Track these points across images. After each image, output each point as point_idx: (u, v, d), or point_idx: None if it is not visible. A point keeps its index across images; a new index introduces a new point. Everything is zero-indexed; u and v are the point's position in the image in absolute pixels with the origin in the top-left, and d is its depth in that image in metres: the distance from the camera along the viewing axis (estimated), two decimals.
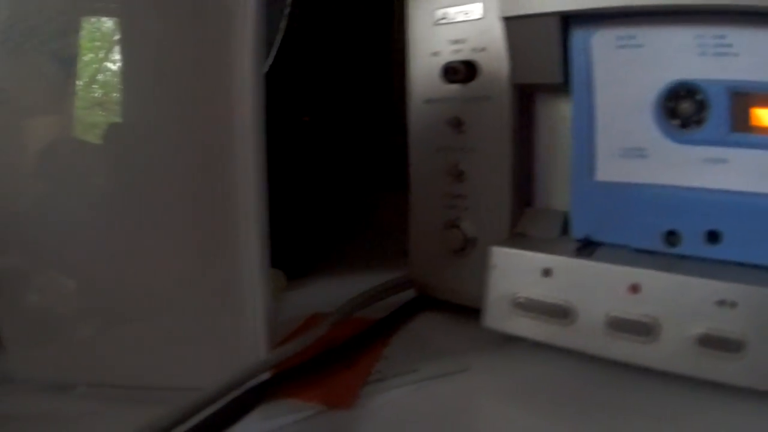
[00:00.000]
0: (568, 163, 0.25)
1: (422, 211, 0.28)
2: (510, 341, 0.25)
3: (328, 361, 0.23)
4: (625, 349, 0.22)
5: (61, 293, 0.21)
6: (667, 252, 0.23)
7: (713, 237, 0.22)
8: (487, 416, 0.22)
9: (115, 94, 0.20)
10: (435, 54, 0.27)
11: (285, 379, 0.21)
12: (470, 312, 0.27)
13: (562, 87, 0.25)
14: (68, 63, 0.20)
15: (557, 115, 0.26)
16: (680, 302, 0.21)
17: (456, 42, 0.26)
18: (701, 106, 0.22)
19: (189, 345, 0.21)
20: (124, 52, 0.20)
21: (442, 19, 0.27)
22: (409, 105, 0.28)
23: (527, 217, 0.26)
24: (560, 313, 0.23)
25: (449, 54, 0.26)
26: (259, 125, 0.19)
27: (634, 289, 0.22)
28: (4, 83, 0.21)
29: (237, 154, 0.19)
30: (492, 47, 0.25)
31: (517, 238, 0.25)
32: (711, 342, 0.21)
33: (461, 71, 0.26)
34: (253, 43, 0.19)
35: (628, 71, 0.23)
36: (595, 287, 0.22)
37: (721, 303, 0.20)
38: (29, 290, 0.21)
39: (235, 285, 0.20)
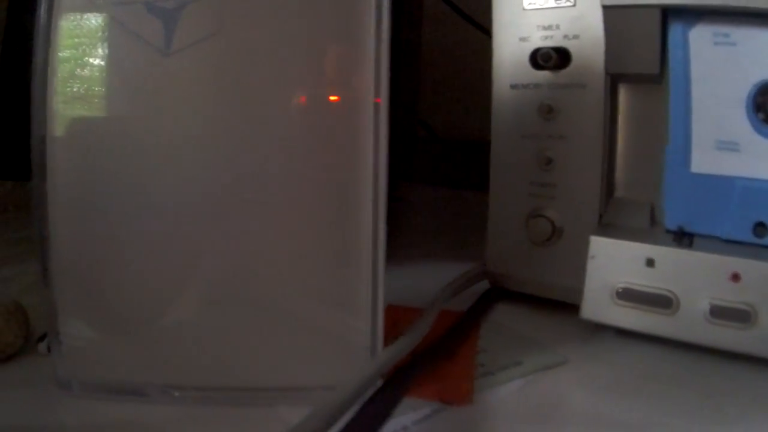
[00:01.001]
0: (653, 153, 0.25)
1: (504, 200, 0.27)
2: (596, 331, 0.24)
3: (434, 355, 0.21)
4: (725, 336, 0.22)
5: (152, 285, 0.18)
6: (756, 243, 0.24)
7: None
8: (601, 409, 0.21)
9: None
10: (523, 39, 0.26)
11: (402, 377, 0.19)
12: (546, 302, 0.27)
13: (656, 78, 0.25)
14: (169, 15, 0.17)
15: (643, 105, 0.26)
16: None
17: (547, 28, 0.26)
18: None
19: (299, 343, 0.19)
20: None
21: (532, 3, 0.26)
22: (494, 90, 0.27)
23: (614, 207, 0.26)
24: (663, 303, 0.23)
25: (539, 40, 0.26)
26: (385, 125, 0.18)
27: (735, 277, 0.22)
28: (80, 32, 0.18)
29: (361, 149, 0.18)
30: (585, 35, 0.25)
31: (611, 228, 0.25)
32: None
33: (554, 58, 0.25)
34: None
35: (723, 67, 0.24)
36: (697, 276, 0.22)
37: None
38: (117, 281, 0.18)
39: (353, 282, 0.18)
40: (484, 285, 0.28)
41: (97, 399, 0.19)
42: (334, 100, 0.17)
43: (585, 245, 0.24)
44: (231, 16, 0.17)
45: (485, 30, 0.29)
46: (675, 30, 0.24)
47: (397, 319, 0.22)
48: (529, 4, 0.26)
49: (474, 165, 0.47)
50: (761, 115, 0.23)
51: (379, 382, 0.19)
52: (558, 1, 0.26)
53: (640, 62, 0.24)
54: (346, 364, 0.18)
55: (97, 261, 0.18)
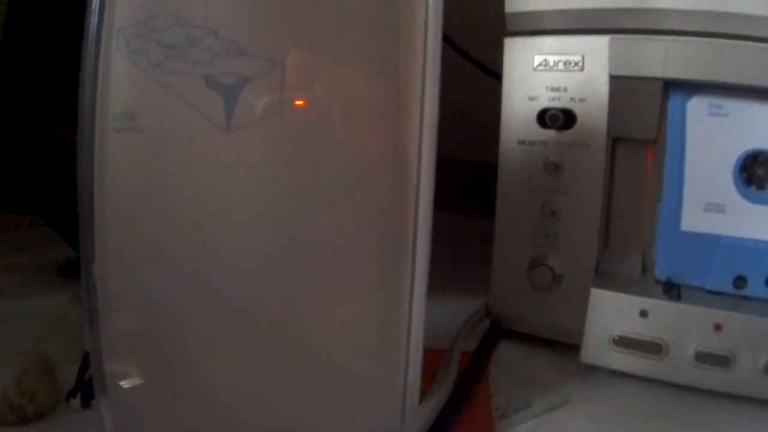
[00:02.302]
0: (647, 208, 0.27)
1: (508, 247, 0.29)
2: (592, 372, 0.26)
3: (458, 402, 0.23)
4: (708, 378, 0.24)
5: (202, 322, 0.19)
6: (735, 293, 0.26)
7: None
8: None
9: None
10: (532, 98, 0.28)
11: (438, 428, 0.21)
12: (542, 341, 0.28)
13: (652, 142, 0.27)
14: (230, 92, 0.18)
15: (639, 165, 0.28)
16: (753, 338, 0.24)
17: (555, 90, 0.27)
18: None
19: (344, 397, 0.20)
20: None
21: (542, 65, 0.28)
22: (501, 143, 0.28)
23: (610, 256, 0.28)
24: (655, 349, 0.25)
25: (547, 100, 0.27)
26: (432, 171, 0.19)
27: (718, 327, 0.24)
28: (135, 106, 0.18)
29: (408, 223, 0.19)
30: (591, 98, 0.27)
31: (608, 278, 0.27)
32: None
33: (560, 119, 0.27)
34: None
35: (715, 136, 0.26)
36: (685, 326, 0.25)
37: None
38: (170, 343, 0.19)
39: (393, 335, 0.20)
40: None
41: None
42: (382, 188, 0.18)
43: (582, 291, 0.26)
44: (293, 96, 0.18)
45: (495, 75, 0.30)
46: (674, 100, 0.26)
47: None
48: (539, 65, 0.28)
49: (472, 187, 0.48)
50: (747, 181, 0.26)
51: None
52: (567, 65, 0.27)
53: (640, 128, 0.26)
54: (389, 414, 0.19)
55: (151, 326, 0.19)
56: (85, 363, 0.23)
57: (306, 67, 0.18)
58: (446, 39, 0.20)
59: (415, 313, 0.19)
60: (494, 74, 0.32)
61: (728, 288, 0.26)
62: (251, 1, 0.18)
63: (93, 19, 0.18)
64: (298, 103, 0.18)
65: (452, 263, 0.39)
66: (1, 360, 0.22)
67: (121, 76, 0.18)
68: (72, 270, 0.38)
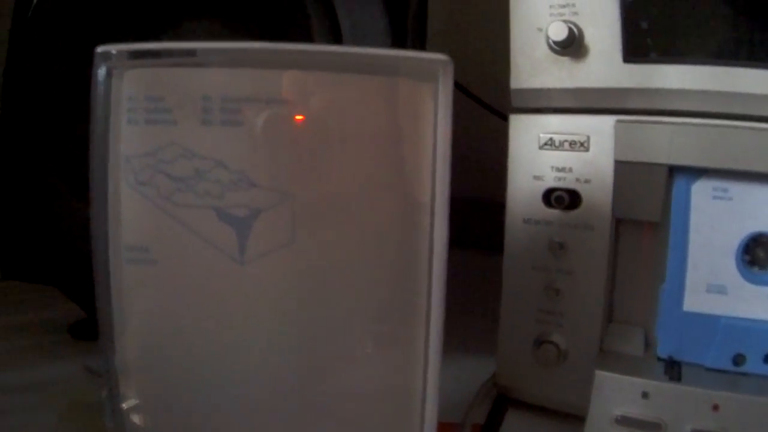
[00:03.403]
0: (649, 287, 0.27)
1: (513, 323, 0.29)
2: None
3: None
4: None
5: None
6: (733, 371, 0.26)
7: None
8: None
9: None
10: (537, 177, 0.28)
11: None
12: (549, 411, 0.29)
13: (657, 224, 0.27)
14: (241, 225, 0.18)
15: (643, 246, 0.28)
16: (748, 417, 0.24)
17: (560, 170, 0.27)
18: None
19: None
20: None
21: (547, 144, 0.27)
22: (507, 222, 0.28)
23: (613, 334, 0.28)
24: (654, 428, 0.25)
25: (552, 180, 0.27)
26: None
27: (716, 408, 0.25)
28: (149, 240, 0.18)
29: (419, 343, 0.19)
30: (596, 180, 0.27)
31: (611, 357, 0.27)
32: None
33: (566, 200, 0.27)
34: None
35: (719, 219, 0.26)
36: (684, 407, 0.25)
37: None
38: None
39: (407, 410, 0.20)
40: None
41: None
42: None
43: (587, 366, 0.26)
44: (304, 227, 0.18)
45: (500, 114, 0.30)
46: (679, 184, 0.26)
47: None
48: (545, 144, 0.28)
49: (476, 223, 0.48)
50: (749, 263, 0.26)
51: None
52: (573, 145, 0.27)
53: (644, 210, 0.26)
54: None
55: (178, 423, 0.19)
56: None
57: (313, 197, 0.18)
58: (457, 85, 0.20)
59: (427, 415, 0.20)
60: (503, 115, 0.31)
61: (727, 365, 0.26)
62: (260, 135, 0.18)
63: (100, 147, 0.18)
64: (309, 233, 0.18)
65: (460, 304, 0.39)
66: None
67: (132, 208, 0.18)
68: (82, 331, 0.38)
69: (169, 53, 0.18)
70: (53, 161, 0.33)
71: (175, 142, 0.17)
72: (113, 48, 0.17)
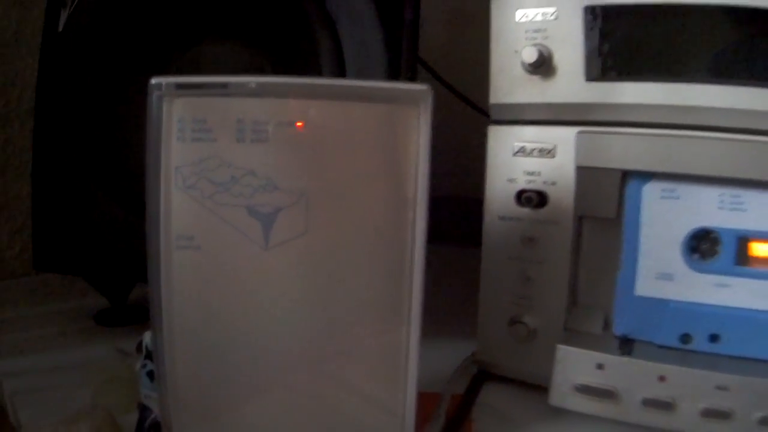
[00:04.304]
0: (609, 275, 0.34)
1: (491, 306, 0.36)
2: (560, 412, 0.33)
3: None
4: (654, 420, 0.31)
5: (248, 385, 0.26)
6: (681, 348, 0.33)
7: (714, 338, 0.32)
8: None
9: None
10: (511, 180, 0.34)
11: None
12: (522, 384, 0.35)
13: (614, 220, 0.33)
14: (266, 218, 0.25)
15: (602, 238, 0.34)
16: (692, 388, 0.31)
17: (531, 174, 0.34)
18: (715, 246, 0.32)
19: (345, 428, 0.27)
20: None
21: (520, 152, 0.34)
22: (485, 219, 0.35)
23: (576, 315, 0.35)
24: (608, 396, 0.32)
25: (524, 182, 0.34)
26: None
27: (662, 378, 0.31)
28: (194, 230, 0.25)
29: (406, 281, 0.25)
30: (561, 182, 0.33)
31: (572, 334, 0.34)
32: (711, 413, 0.30)
33: (535, 200, 0.33)
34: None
35: (667, 216, 0.32)
36: (634, 378, 0.31)
37: (719, 387, 0.30)
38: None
39: (392, 381, 0.26)
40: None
41: None
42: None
43: (553, 343, 0.33)
44: (316, 221, 0.24)
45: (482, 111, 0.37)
46: (632, 186, 0.33)
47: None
48: (518, 151, 0.34)
49: (458, 220, 0.55)
50: (693, 254, 0.32)
51: None
52: (541, 152, 0.34)
53: (602, 208, 0.33)
54: None
55: (213, 399, 0.26)
56: (141, 414, 0.30)
57: (323, 198, 0.25)
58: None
59: (412, 375, 0.26)
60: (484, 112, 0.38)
61: (675, 343, 0.33)
62: (281, 147, 0.24)
63: (155, 163, 0.24)
64: (320, 225, 0.24)
65: (446, 294, 0.45)
66: (77, 414, 0.29)
67: (181, 205, 0.24)
68: (106, 318, 0.45)
69: (207, 86, 0.24)
70: (94, 173, 0.40)
71: (215, 155, 0.24)
72: (164, 80, 0.24)
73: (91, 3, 0.41)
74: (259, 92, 0.24)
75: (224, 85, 0.24)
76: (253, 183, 0.24)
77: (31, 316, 0.48)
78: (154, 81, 0.24)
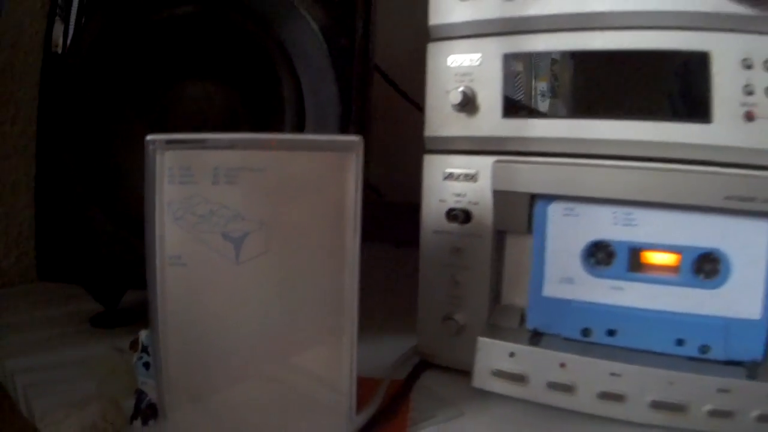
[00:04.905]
0: (525, 279, 0.44)
1: (428, 306, 0.46)
2: (483, 394, 0.43)
3: (385, 415, 0.40)
4: (558, 399, 0.41)
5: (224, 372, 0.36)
6: (582, 340, 0.43)
7: (611, 332, 0.42)
8: None
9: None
10: (442, 200, 0.44)
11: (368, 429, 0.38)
12: (457, 371, 0.45)
13: (526, 234, 0.43)
14: (237, 241, 0.34)
15: (518, 249, 0.44)
16: (589, 373, 0.41)
17: (458, 195, 0.44)
18: (610, 255, 0.42)
19: (302, 406, 0.37)
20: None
21: (449, 176, 0.44)
22: (422, 233, 0.45)
23: (497, 312, 0.45)
24: (519, 379, 0.42)
25: (452, 202, 0.44)
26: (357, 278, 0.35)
27: (563, 365, 0.41)
28: (181, 251, 0.34)
29: (347, 288, 0.35)
30: (482, 202, 0.44)
31: (493, 328, 0.44)
32: (608, 397, 0.40)
33: (461, 217, 0.43)
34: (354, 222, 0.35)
35: (568, 230, 0.43)
36: (540, 364, 0.41)
37: (613, 374, 0.40)
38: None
39: (338, 367, 0.36)
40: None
41: None
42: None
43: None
44: (275, 242, 0.34)
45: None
46: (539, 206, 0.43)
47: (360, 386, 0.40)
48: (447, 177, 0.44)
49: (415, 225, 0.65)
50: (590, 261, 0.42)
51: None
52: (466, 177, 0.44)
53: (515, 224, 0.43)
54: (333, 421, 0.36)
55: (198, 384, 0.35)
56: (139, 398, 0.40)
57: (281, 225, 0.34)
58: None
59: (352, 360, 0.36)
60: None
61: (577, 336, 0.43)
62: (249, 189, 0.34)
63: (151, 200, 0.34)
64: (278, 246, 0.34)
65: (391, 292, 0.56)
66: (86, 400, 0.39)
67: (172, 233, 0.34)
68: (101, 321, 0.55)
69: (190, 141, 0.34)
70: (92, 192, 0.50)
71: (197, 194, 0.34)
72: (157, 137, 0.34)
73: (89, 43, 0.50)
74: (230, 146, 0.34)
75: (203, 141, 0.34)
76: (225, 215, 0.34)
77: (32, 321, 0.58)
78: (149, 138, 0.34)
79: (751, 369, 0.39)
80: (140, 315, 0.56)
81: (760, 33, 0.38)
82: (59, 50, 0.51)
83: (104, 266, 0.51)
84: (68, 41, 0.51)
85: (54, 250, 0.52)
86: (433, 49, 0.46)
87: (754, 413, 0.37)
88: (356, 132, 0.41)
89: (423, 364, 0.46)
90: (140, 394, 0.40)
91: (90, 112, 0.50)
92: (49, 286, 0.63)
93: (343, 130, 0.44)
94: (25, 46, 0.68)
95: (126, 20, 0.49)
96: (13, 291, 0.65)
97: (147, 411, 0.39)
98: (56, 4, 0.51)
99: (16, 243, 0.67)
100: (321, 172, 0.35)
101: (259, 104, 0.47)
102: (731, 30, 0.39)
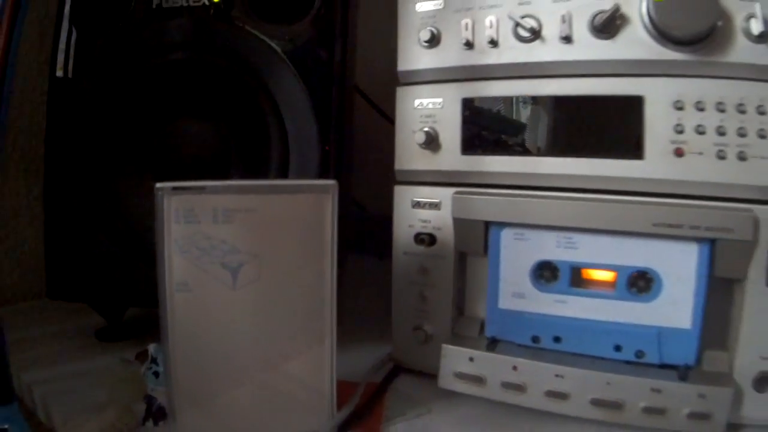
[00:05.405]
0: (483, 294, 0.53)
1: (400, 318, 0.55)
2: (449, 393, 0.53)
3: (362, 414, 0.49)
4: (511, 397, 0.51)
5: (224, 378, 0.45)
6: (532, 346, 0.52)
7: (557, 339, 0.52)
8: None
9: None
10: (410, 225, 0.54)
11: (346, 427, 0.47)
12: (426, 375, 0.55)
13: (483, 255, 0.52)
14: (233, 270, 0.43)
15: (477, 268, 0.54)
16: (537, 375, 0.50)
17: (424, 221, 0.53)
18: (555, 273, 0.51)
19: (290, 406, 0.46)
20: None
21: (416, 205, 0.53)
22: (393, 254, 0.54)
23: (460, 323, 0.54)
24: (478, 380, 0.51)
25: (419, 227, 0.53)
26: (334, 297, 0.45)
27: (515, 368, 0.51)
28: (187, 278, 0.44)
29: (326, 308, 0.45)
30: (445, 227, 0.53)
31: (456, 337, 0.53)
32: (554, 395, 0.50)
33: (427, 241, 0.53)
34: (330, 251, 0.44)
35: (519, 252, 0.52)
36: (495, 367, 0.51)
37: (557, 375, 0.50)
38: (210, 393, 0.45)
39: (320, 373, 0.46)
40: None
41: None
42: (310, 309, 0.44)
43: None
44: (266, 271, 0.43)
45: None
46: (493, 232, 0.52)
47: (341, 388, 0.49)
48: (415, 205, 0.53)
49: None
50: (538, 278, 0.52)
51: (335, 429, 0.46)
52: (431, 206, 0.53)
53: (473, 247, 0.53)
54: (317, 418, 0.46)
55: (197, 385, 0.44)
56: (149, 402, 0.49)
57: (270, 256, 0.44)
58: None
59: (332, 367, 0.45)
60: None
61: (529, 343, 0.52)
62: (242, 226, 0.43)
63: (162, 237, 0.43)
64: (269, 274, 0.44)
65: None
66: (101, 405, 0.48)
67: (179, 264, 0.43)
68: (105, 335, 0.64)
69: (193, 188, 0.43)
70: (97, 220, 0.58)
71: (200, 231, 0.43)
72: (165, 185, 0.43)
73: (91, 90, 0.59)
74: (226, 191, 0.43)
75: (204, 188, 0.43)
76: (224, 248, 0.43)
77: (42, 335, 0.67)
78: (158, 185, 0.43)
79: (683, 372, 0.48)
80: (142, 329, 0.65)
81: (692, 76, 0.47)
82: (61, 74, 0.60)
83: (109, 286, 0.59)
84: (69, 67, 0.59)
85: (63, 272, 0.61)
86: (402, 93, 0.55)
87: (685, 411, 0.46)
88: (335, 170, 0.50)
89: (397, 369, 0.56)
90: (150, 400, 0.49)
91: (95, 143, 0.59)
92: (52, 303, 0.72)
93: (323, 169, 0.54)
94: (24, 73, 0.76)
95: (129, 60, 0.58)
96: (19, 308, 0.74)
97: (157, 414, 0.48)
98: (59, 31, 0.60)
99: (19, 262, 0.76)
100: (303, 211, 0.44)
101: (248, 140, 0.57)
102: (664, 75, 0.48)
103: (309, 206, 0.44)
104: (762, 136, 0.46)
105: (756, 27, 0.45)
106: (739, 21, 0.46)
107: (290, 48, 0.56)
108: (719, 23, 0.46)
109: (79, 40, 0.59)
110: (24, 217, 0.75)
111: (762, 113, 0.46)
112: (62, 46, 0.60)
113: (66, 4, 0.59)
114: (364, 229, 0.79)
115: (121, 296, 0.60)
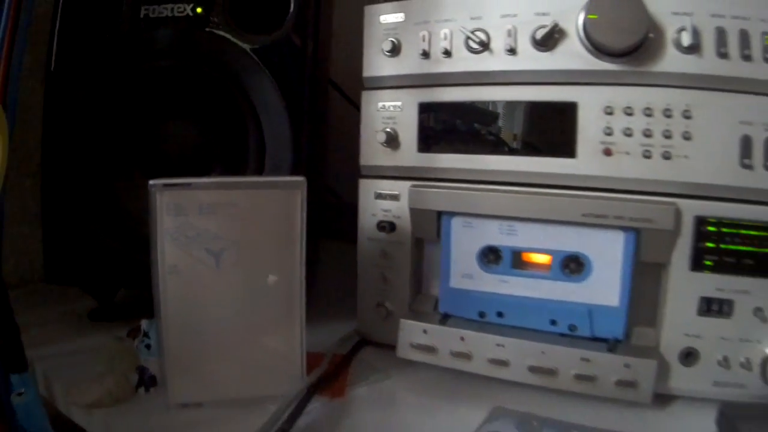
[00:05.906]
0: (436, 274, 0.64)
1: (364, 296, 0.66)
2: (406, 362, 0.63)
3: (329, 379, 0.59)
4: (459, 364, 0.61)
5: (210, 348, 0.55)
6: (479, 320, 0.63)
7: (500, 314, 0.62)
8: (408, 400, 0.60)
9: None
10: (373, 214, 0.64)
11: (314, 388, 0.58)
12: (388, 347, 0.65)
13: (436, 240, 0.63)
14: (216, 254, 0.54)
15: (432, 252, 0.64)
16: (481, 345, 0.61)
17: (385, 211, 0.64)
18: (498, 257, 0.62)
19: (266, 372, 0.56)
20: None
21: (378, 196, 0.64)
22: (359, 240, 0.65)
23: (417, 300, 0.65)
24: (431, 350, 0.61)
25: (381, 216, 0.64)
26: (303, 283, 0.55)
27: (462, 339, 0.61)
28: (177, 262, 0.54)
29: (297, 287, 0.55)
30: (403, 216, 0.63)
31: (413, 312, 0.64)
32: (496, 362, 0.60)
33: (387, 228, 0.63)
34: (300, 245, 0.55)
35: (467, 238, 0.62)
36: (445, 338, 0.61)
37: (499, 345, 0.60)
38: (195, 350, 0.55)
39: (292, 340, 0.56)
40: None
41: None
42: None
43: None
44: (244, 255, 0.53)
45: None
46: (445, 220, 0.63)
47: (310, 359, 0.60)
48: (377, 196, 0.64)
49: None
50: (484, 261, 0.62)
51: (304, 390, 0.56)
52: (391, 197, 0.63)
53: (428, 233, 0.63)
54: (289, 383, 0.56)
55: (187, 353, 0.55)
56: (142, 372, 0.59)
57: (248, 243, 0.54)
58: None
59: (302, 338, 0.56)
60: None
61: (476, 318, 0.63)
62: (224, 217, 0.53)
63: (155, 227, 0.53)
64: (246, 258, 0.54)
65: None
66: (100, 375, 0.58)
67: (170, 250, 0.53)
68: (98, 316, 0.74)
69: (181, 184, 0.53)
70: (96, 216, 0.68)
71: (188, 222, 0.53)
72: (157, 182, 0.52)
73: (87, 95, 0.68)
74: (210, 187, 0.53)
75: (190, 184, 0.53)
76: (208, 236, 0.53)
77: (38, 318, 0.76)
78: (151, 182, 0.53)
79: (612, 345, 0.57)
80: (129, 311, 0.75)
81: (622, 84, 0.56)
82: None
83: (101, 270, 0.69)
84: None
85: (60, 258, 0.70)
86: (366, 97, 0.65)
87: (613, 379, 0.56)
88: (306, 166, 0.61)
89: (362, 342, 0.66)
90: (143, 370, 0.59)
91: (89, 143, 0.69)
92: (45, 288, 0.82)
93: (295, 165, 0.64)
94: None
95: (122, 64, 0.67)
96: (14, 294, 0.83)
97: (149, 381, 0.59)
98: (55, 28, 0.69)
99: (13, 251, 0.85)
100: (277, 204, 0.54)
101: (228, 139, 0.67)
102: (597, 83, 0.57)
103: (282, 200, 0.54)
104: (686, 138, 0.54)
105: (686, 39, 0.53)
106: (670, 33, 0.54)
107: (266, 53, 0.66)
108: (651, 35, 0.54)
109: (71, 49, 0.68)
110: (16, 207, 0.84)
111: (687, 117, 0.54)
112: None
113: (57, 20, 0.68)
114: (339, 216, 0.89)
115: (112, 279, 0.70)
